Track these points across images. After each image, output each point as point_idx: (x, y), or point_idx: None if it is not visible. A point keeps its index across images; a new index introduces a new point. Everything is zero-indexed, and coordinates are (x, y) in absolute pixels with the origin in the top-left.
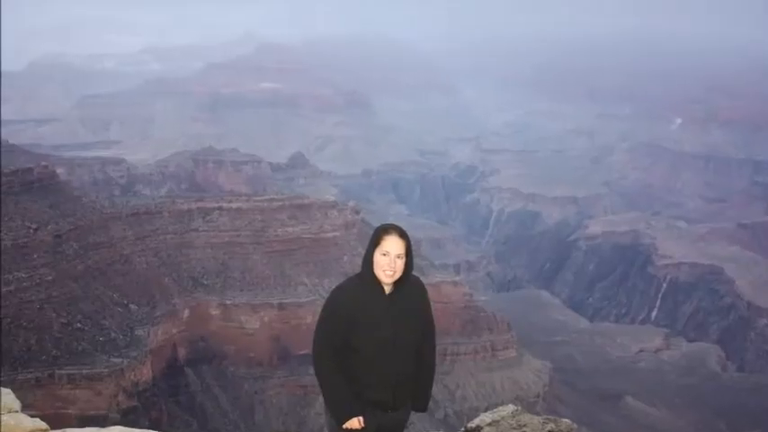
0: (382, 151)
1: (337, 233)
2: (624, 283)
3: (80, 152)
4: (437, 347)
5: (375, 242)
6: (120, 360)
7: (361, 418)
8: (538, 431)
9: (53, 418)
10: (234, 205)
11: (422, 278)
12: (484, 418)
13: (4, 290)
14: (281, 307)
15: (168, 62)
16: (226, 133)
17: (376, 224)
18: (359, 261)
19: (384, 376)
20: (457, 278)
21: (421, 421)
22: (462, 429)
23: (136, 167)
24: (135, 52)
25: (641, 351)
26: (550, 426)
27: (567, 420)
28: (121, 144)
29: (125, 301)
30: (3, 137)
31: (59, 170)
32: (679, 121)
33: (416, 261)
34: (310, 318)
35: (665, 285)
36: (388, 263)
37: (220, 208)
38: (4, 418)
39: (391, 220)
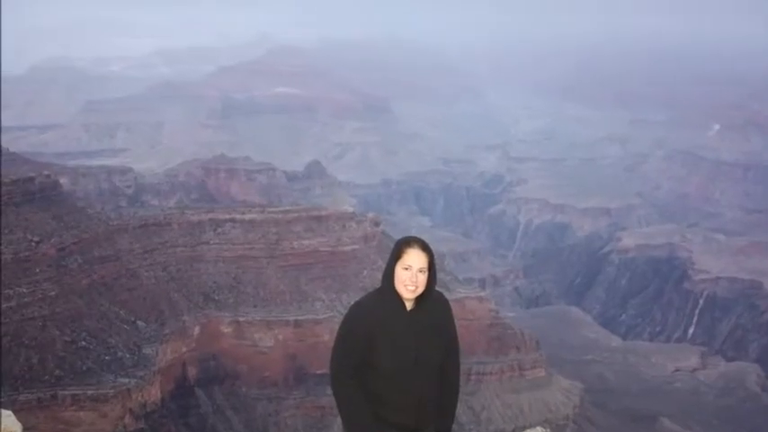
0: (403, 159)
1: (356, 246)
2: (659, 299)
3: (85, 160)
4: (461, 366)
5: (396, 255)
6: (126, 380)
7: None
8: None
9: None
10: (247, 217)
11: (445, 294)
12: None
13: (4, 306)
14: (296, 324)
15: (177, 65)
16: (238, 140)
17: (397, 237)
18: (379, 276)
19: (406, 397)
20: (482, 293)
21: None
22: None
23: (143, 177)
24: (142, 55)
25: (677, 370)
26: None
27: None
28: (128, 152)
29: (132, 318)
30: (3, 144)
31: (63, 180)
32: (717, 127)
33: (440, 276)
34: (328, 335)
35: (701, 301)
36: (410, 277)
37: (233, 219)
38: None
39: (413, 233)
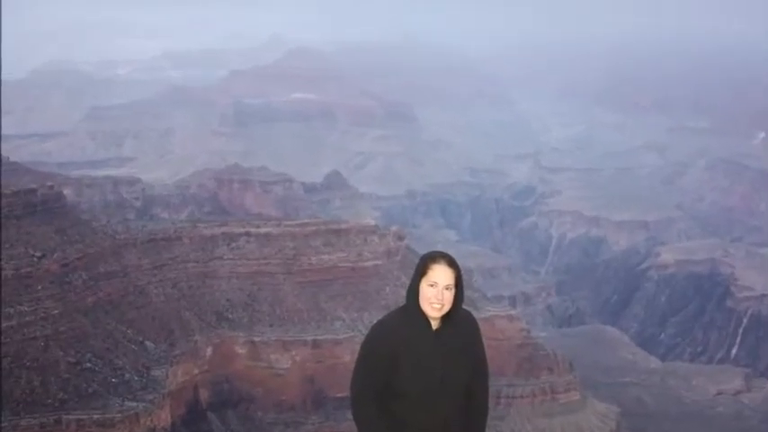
0: (429, 170)
1: (378, 262)
2: (700, 318)
3: (90, 170)
4: (490, 389)
5: (421, 272)
6: (134, 404)
7: None
8: None
9: None
10: (262, 230)
11: (473, 312)
12: None
13: (4, 325)
14: (315, 344)
15: (188, 69)
16: (252, 149)
17: (422, 252)
18: (403, 293)
19: (431, 421)
20: (513, 312)
21: None
22: None
23: (152, 188)
24: (150, 58)
25: (719, 394)
26: None
27: None
28: (136, 161)
29: (140, 338)
30: (3, 153)
31: (66, 191)
32: (762, 135)
33: (467, 293)
34: (348, 356)
35: (745, 320)
36: (436, 295)
37: (247, 233)
38: None
39: (439, 247)
